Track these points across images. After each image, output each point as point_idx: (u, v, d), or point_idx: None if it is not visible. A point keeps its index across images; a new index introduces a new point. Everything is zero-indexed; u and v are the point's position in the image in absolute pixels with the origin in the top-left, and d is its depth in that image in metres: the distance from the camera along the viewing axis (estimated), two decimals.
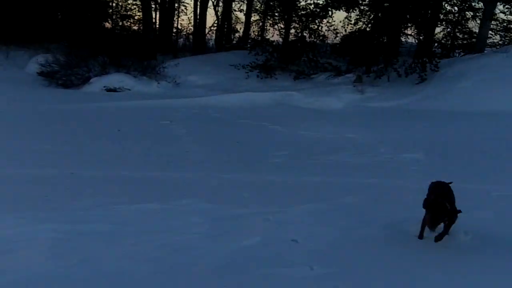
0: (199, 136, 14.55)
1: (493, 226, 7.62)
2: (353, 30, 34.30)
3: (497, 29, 37.65)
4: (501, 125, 15.68)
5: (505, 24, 37.91)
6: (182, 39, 44.63)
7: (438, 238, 6.47)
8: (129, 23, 41.38)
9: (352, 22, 33.77)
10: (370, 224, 7.65)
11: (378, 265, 6.32)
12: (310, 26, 32.42)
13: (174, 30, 42.77)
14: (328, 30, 35.08)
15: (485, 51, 28.58)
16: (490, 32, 33.03)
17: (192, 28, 42.01)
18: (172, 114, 17.13)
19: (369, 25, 31.04)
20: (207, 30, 39.18)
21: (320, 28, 32.87)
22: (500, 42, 37.57)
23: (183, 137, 14.25)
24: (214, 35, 41.52)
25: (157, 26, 39.52)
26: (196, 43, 38.42)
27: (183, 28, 45.65)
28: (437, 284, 5.86)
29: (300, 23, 32.70)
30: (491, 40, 36.54)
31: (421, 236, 6.74)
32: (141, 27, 37.50)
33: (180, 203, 8.60)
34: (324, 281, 5.91)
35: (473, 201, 8.62)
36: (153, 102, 19.63)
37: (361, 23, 32.91)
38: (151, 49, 30.37)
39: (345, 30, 35.40)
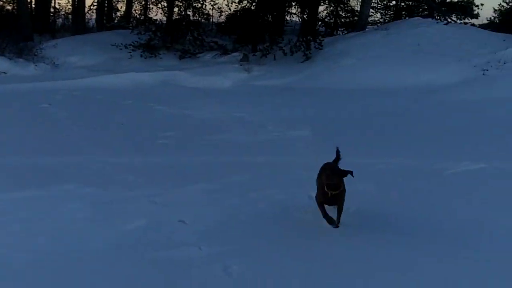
0: (81, 119, 13.90)
1: (374, 198, 7.94)
2: (238, 8, 34.34)
3: (378, 7, 39.29)
4: (385, 101, 16.37)
5: (385, 2, 39.65)
6: (60, 19, 42.62)
7: (337, 222, 6.50)
8: (1, 2, 38.78)
9: (236, 0, 33.73)
10: (259, 202, 7.69)
11: (266, 242, 6.34)
12: (194, 4, 31.91)
13: (52, 10, 40.62)
14: (212, 9, 34.81)
15: (367, 29, 29.70)
16: (371, 10, 34.36)
17: (70, 7, 40.09)
18: (52, 97, 16.24)
19: (254, 4, 31.12)
20: (86, 9, 37.38)
21: (204, 6, 32.44)
22: (381, 20, 39.23)
23: (64, 120, 13.56)
24: (94, 14, 39.82)
25: (33, 5, 37.31)
26: (76, 23, 36.64)
27: (61, 8, 43.56)
28: (318, 253, 6.02)
29: (184, 1, 32.14)
30: (372, 18, 38.13)
31: (328, 217, 6.46)
32: (16, 7, 35.20)
33: (60, 189, 8.17)
34: (213, 261, 5.85)
35: (356, 173, 8.92)
36: (31, 85, 18.52)
37: (245, 1, 32.89)
38: (27, 29, 28.64)
39: (230, 9, 35.34)
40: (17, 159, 9.68)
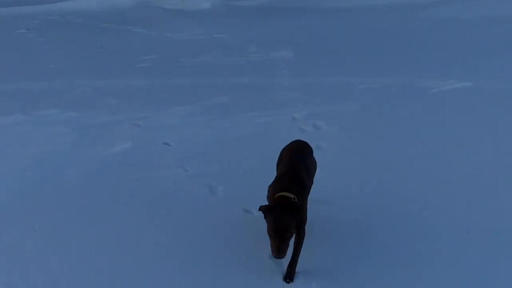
0: (60, 43, 13.57)
1: (359, 115, 7.99)
2: None
3: None
4: (371, 20, 16.02)
5: None
6: None
7: (287, 277, 4.30)
8: None
9: None
10: (243, 124, 7.70)
11: (251, 163, 6.41)
12: None
13: None
14: None
15: None
16: None
17: None
18: (29, 22, 15.76)
19: None
20: None
21: None
22: None
23: (43, 45, 13.23)
24: None
25: None
26: None
27: None
28: None
29: None
30: None
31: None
32: None
33: (44, 114, 8.13)
34: (199, 182, 5.93)
35: (340, 93, 8.95)
36: (7, 10, 17.91)
37: None
38: None
39: None
40: None
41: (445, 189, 5.71)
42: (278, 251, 3.89)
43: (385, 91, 9.20)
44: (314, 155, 4.93)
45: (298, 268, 4.29)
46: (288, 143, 5.10)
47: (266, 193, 4.49)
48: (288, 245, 3.96)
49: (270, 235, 3.96)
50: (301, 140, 5.18)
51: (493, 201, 5.46)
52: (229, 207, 5.35)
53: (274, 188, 4.33)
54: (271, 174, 4.60)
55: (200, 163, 6.39)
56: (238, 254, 4.58)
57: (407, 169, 6.16)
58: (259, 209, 4.08)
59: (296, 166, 4.57)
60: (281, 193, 4.14)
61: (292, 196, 4.11)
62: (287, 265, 4.31)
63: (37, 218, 5.24)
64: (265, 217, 4.05)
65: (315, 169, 4.98)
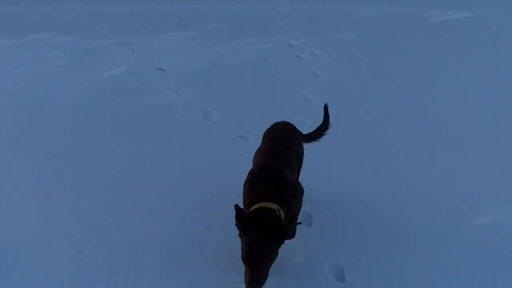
0: None
1: (357, 44, 7.88)
2: None
3: None
4: None
5: None
6: None
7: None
8: None
9: None
10: (239, 51, 7.59)
11: (246, 89, 6.35)
12: None
13: None
14: None
15: None
16: None
17: None
18: None
19: None
20: None
21: None
22: None
23: None
24: None
25: None
26: None
27: None
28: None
29: None
30: None
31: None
32: None
33: (36, 38, 7.99)
34: (193, 106, 5.88)
35: (339, 21, 8.77)
36: None
37: None
38: None
39: None
40: None
41: (442, 113, 5.67)
42: (251, 283, 2.90)
43: (385, 20, 9.00)
44: (312, 81, 4.74)
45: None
46: (271, 126, 4.06)
47: (262, 122, 4.13)
48: (266, 275, 2.96)
49: (243, 261, 2.96)
50: (287, 124, 4.06)
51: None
52: (224, 133, 5.30)
53: (251, 189, 3.27)
54: (267, 101, 4.49)
55: (195, 89, 6.33)
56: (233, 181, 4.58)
57: (403, 97, 6.09)
58: (235, 224, 3.03)
59: (278, 160, 3.51)
60: (260, 204, 3.11)
61: (275, 207, 3.09)
62: None
63: (30, 143, 5.19)
64: (239, 235, 3.05)
65: (303, 156, 3.99)
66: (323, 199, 4.13)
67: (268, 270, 2.96)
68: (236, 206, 3.04)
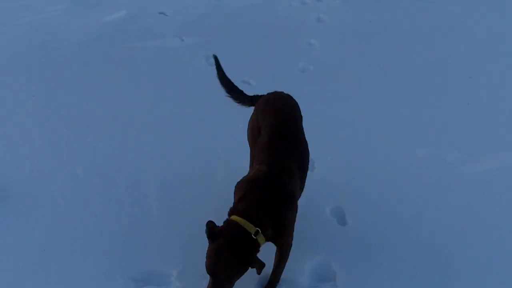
0: None
1: None
2: None
3: None
4: None
5: None
6: None
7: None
8: None
9: None
10: None
11: (250, 34, 6.24)
12: None
13: None
14: None
15: None
16: None
17: None
18: None
19: None
20: None
21: None
22: None
23: None
24: None
25: None
26: None
27: None
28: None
29: None
30: None
31: None
32: None
33: None
34: (195, 51, 5.81)
35: None
36: None
37: None
38: None
39: None
40: None
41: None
42: None
43: None
44: (315, 26, 4.57)
45: None
46: (269, 98, 3.32)
47: (265, 68, 4.02)
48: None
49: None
50: (288, 97, 3.34)
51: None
52: None
53: (241, 197, 2.78)
54: (270, 46, 4.40)
55: (197, 33, 6.25)
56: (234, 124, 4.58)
57: (412, 38, 6.00)
58: (206, 225, 2.62)
59: (286, 160, 2.92)
60: (237, 219, 2.67)
61: (253, 230, 2.63)
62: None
63: (34, 84, 5.20)
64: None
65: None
66: (324, 146, 4.11)
67: (231, 285, 2.63)
68: (208, 224, 2.61)
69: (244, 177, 2.94)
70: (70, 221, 3.59)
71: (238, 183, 2.90)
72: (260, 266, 2.53)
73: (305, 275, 3.15)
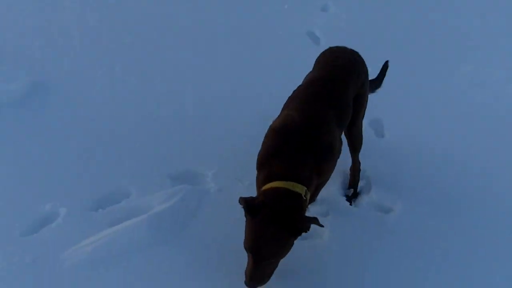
0: None
1: None
2: None
3: None
4: None
5: None
6: None
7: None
8: None
9: None
10: None
11: None
12: None
13: None
14: None
15: None
16: None
17: None
18: None
19: None
20: None
21: None
22: None
23: None
24: None
25: None
26: None
27: None
28: None
29: None
30: None
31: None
32: None
33: None
34: None
35: None
36: None
37: None
38: None
39: None
40: None
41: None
42: (252, 279, 2.26)
43: None
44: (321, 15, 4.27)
45: None
46: (325, 52, 2.99)
47: None
48: (272, 272, 2.31)
49: (246, 250, 2.27)
50: (347, 50, 2.97)
51: None
52: None
53: (274, 155, 2.37)
54: None
55: None
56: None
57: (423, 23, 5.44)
58: (240, 201, 2.22)
59: (323, 106, 2.53)
60: (284, 184, 2.29)
61: (302, 191, 2.29)
62: None
63: None
64: (245, 215, 2.28)
65: (365, 98, 3.01)
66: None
67: (276, 266, 2.31)
68: (243, 199, 2.21)
69: (272, 124, 2.49)
70: (108, 117, 3.62)
71: (267, 133, 2.47)
72: (315, 221, 2.19)
73: (336, 185, 3.15)
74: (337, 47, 2.96)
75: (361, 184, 3.19)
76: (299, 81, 2.79)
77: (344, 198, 3.10)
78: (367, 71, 2.92)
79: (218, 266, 2.60)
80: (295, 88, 2.69)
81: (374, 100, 3.18)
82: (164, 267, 2.59)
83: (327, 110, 2.48)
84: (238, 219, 2.31)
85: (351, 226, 2.89)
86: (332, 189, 3.07)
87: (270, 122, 2.49)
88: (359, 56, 2.92)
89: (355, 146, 3.02)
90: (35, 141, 3.38)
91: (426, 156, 3.41)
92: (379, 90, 3.25)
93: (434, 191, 3.15)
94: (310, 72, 2.88)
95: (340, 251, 2.73)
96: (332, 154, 2.45)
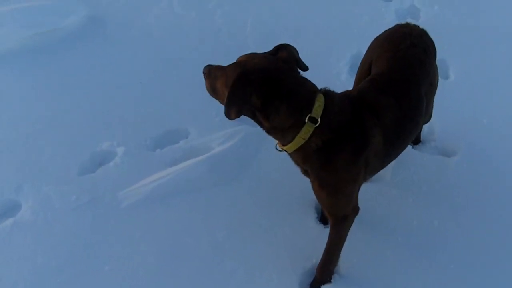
0: None
1: None
2: None
3: None
4: None
5: None
6: None
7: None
8: None
9: None
10: None
11: None
12: None
13: None
14: None
15: None
16: None
17: None
18: None
19: None
20: None
21: None
22: None
23: None
24: None
25: None
26: None
27: None
28: None
29: None
30: None
31: None
32: None
33: None
34: None
35: None
36: None
37: None
38: None
39: None
40: None
41: None
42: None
43: None
44: None
45: None
46: (387, 33, 2.40)
47: None
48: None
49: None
50: (415, 28, 2.38)
51: None
52: None
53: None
54: None
55: None
56: None
57: None
58: None
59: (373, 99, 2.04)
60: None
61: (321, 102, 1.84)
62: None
63: None
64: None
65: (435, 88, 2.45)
66: None
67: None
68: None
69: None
70: (168, 52, 3.51)
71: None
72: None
73: None
74: (405, 27, 2.38)
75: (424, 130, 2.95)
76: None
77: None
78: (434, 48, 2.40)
79: (279, 205, 2.51)
80: None
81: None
82: (224, 207, 2.51)
83: (388, 110, 2.03)
84: None
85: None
86: None
87: None
88: (430, 36, 2.38)
89: (425, 121, 2.61)
90: (93, 76, 3.32)
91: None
92: None
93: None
94: (367, 57, 2.37)
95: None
96: (363, 144, 1.95)
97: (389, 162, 2.17)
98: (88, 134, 2.87)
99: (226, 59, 3.14)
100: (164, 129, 2.93)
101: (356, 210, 2.11)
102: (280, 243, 2.37)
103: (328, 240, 2.15)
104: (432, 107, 2.57)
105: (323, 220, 2.48)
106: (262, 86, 1.76)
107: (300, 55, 1.86)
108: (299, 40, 3.35)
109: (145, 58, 3.46)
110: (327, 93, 1.89)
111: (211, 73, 1.97)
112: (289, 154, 1.96)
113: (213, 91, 1.99)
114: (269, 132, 1.90)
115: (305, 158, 1.92)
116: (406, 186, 2.63)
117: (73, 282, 2.23)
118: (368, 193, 2.53)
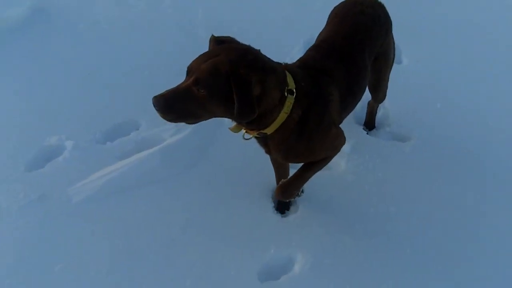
0: None
1: None
2: None
3: None
4: None
5: None
6: None
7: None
8: None
9: None
10: None
11: None
12: None
13: None
14: None
15: None
16: None
17: None
18: None
19: None
20: None
21: None
22: None
23: None
24: None
25: None
26: None
27: None
28: None
29: None
30: None
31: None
32: None
33: None
34: None
35: None
36: None
37: None
38: None
39: None
40: None
41: None
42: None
43: None
44: None
45: None
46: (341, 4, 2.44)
47: None
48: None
49: None
50: (368, 4, 2.36)
51: None
52: None
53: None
54: None
55: None
56: None
57: None
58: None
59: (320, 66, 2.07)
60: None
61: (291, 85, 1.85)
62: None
63: None
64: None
65: (390, 58, 2.53)
66: None
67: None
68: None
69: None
70: (113, 41, 3.42)
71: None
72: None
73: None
74: None
75: (378, 115, 2.97)
76: None
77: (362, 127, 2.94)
78: (390, 20, 2.43)
79: (236, 195, 2.46)
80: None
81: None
82: (180, 200, 2.44)
83: (333, 76, 2.05)
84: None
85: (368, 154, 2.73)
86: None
87: None
88: (385, 8, 2.41)
89: (378, 99, 2.70)
90: (37, 69, 3.20)
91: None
92: None
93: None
94: (325, 28, 2.36)
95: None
96: (325, 105, 2.00)
97: (346, 117, 2.22)
98: (35, 128, 2.75)
99: (175, 48, 3.06)
100: (113, 121, 2.83)
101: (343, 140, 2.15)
102: (238, 234, 2.32)
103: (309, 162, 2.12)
104: (387, 86, 2.61)
105: (279, 209, 2.47)
106: (257, 70, 1.67)
107: (254, 44, 1.80)
108: (252, 29, 3.27)
109: (93, 50, 3.34)
110: (286, 66, 1.91)
111: (177, 98, 1.76)
112: (267, 136, 1.89)
113: (191, 114, 1.81)
114: (252, 121, 1.78)
115: (285, 134, 1.89)
116: (362, 173, 2.62)
117: (22, 283, 2.13)
118: (324, 181, 2.51)
